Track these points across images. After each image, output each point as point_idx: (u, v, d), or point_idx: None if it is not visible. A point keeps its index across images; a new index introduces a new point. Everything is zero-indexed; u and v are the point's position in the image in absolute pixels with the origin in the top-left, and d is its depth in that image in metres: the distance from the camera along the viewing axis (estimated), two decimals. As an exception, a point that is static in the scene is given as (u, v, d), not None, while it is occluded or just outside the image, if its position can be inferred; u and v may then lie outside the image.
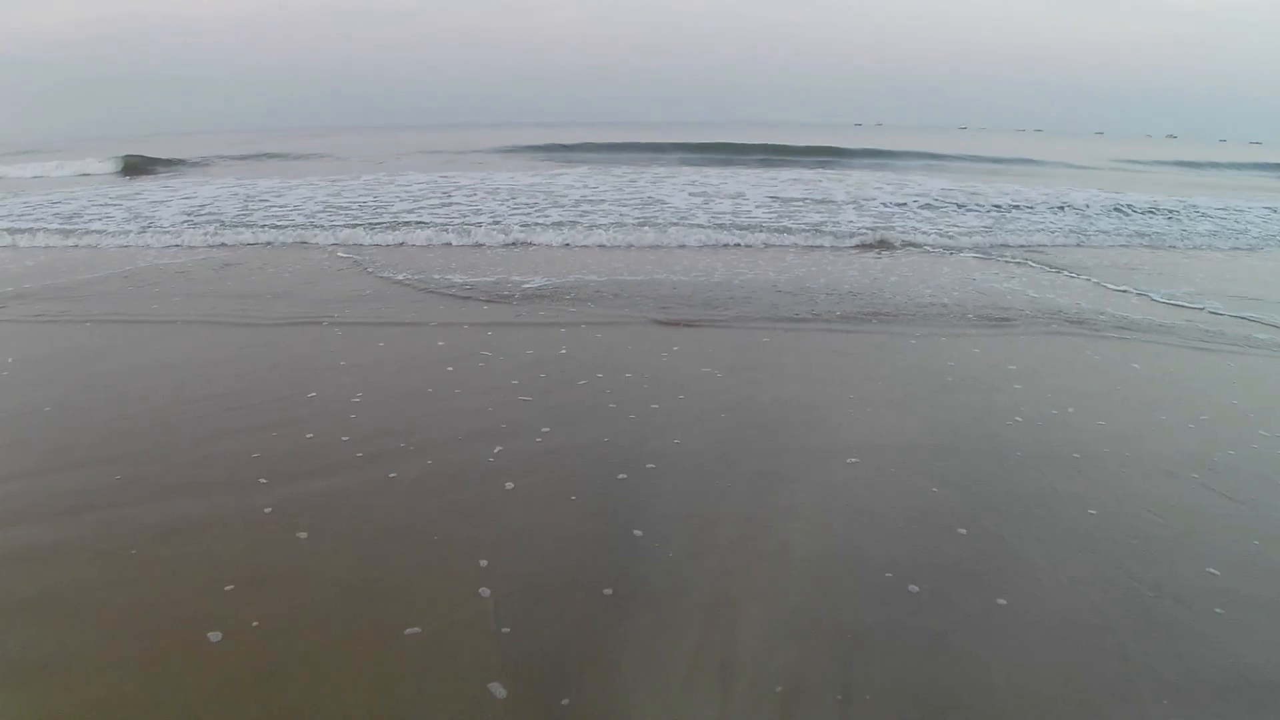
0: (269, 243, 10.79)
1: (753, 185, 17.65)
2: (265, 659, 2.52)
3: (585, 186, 17.27)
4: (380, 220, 12.11)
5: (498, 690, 2.38)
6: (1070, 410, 4.71)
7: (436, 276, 8.48)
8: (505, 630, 2.64)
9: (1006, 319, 6.84)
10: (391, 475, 3.76)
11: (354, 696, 2.37)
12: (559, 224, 11.69)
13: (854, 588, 2.92)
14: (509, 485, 3.67)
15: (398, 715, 2.31)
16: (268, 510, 3.44)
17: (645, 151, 30.57)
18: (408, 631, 2.64)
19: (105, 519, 3.38)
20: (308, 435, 4.24)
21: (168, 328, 6.58)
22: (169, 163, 27.45)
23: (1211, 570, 3.06)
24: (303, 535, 3.24)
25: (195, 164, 27.79)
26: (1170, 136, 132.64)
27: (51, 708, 2.37)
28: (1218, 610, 2.81)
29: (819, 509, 3.49)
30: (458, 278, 8.41)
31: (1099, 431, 4.39)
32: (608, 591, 2.86)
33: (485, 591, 2.85)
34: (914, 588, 2.91)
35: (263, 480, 3.71)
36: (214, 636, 2.61)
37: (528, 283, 8.15)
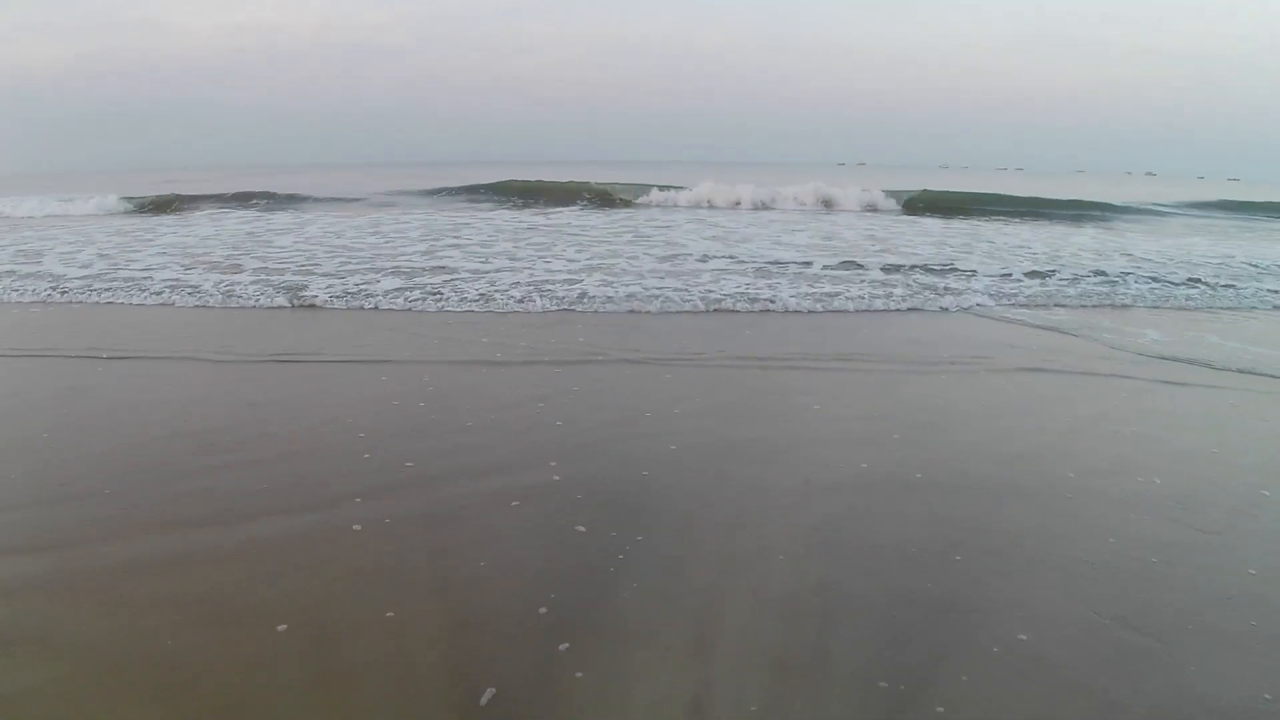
0: (264, 282, 10.66)
1: (758, 227, 17.71)
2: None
3: (593, 225, 17.54)
4: (382, 266, 11.50)
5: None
6: (1043, 447, 4.77)
7: (437, 318, 8.54)
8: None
9: (983, 357, 6.95)
10: (383, 514, 3.76)
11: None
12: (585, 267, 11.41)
13: (827, 624, 2.94)
14: (505, 514, 3.71)
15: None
16: (248, 544, 3.45)
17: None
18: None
19: (80, 555, 3.38)
20: (287, 471, 4.25)
21: (146, 364, 6.59)
22: (169, 199, 26.44)
23: (1181, 603, 3.10)
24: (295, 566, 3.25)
25: (199, 199, 27.42)
26: (1149, 174, 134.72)
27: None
28: (1187, 642, 2.85)
29: (795, 545, 3.52)
30: (463, 317, 8.49)
31: (1073, 468, 4.44)
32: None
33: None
34: (883, 625, 2.93)
35: (244, 515, 3.72)
36: (193, 668, 2.62)
37: (533, 325, 8.24)
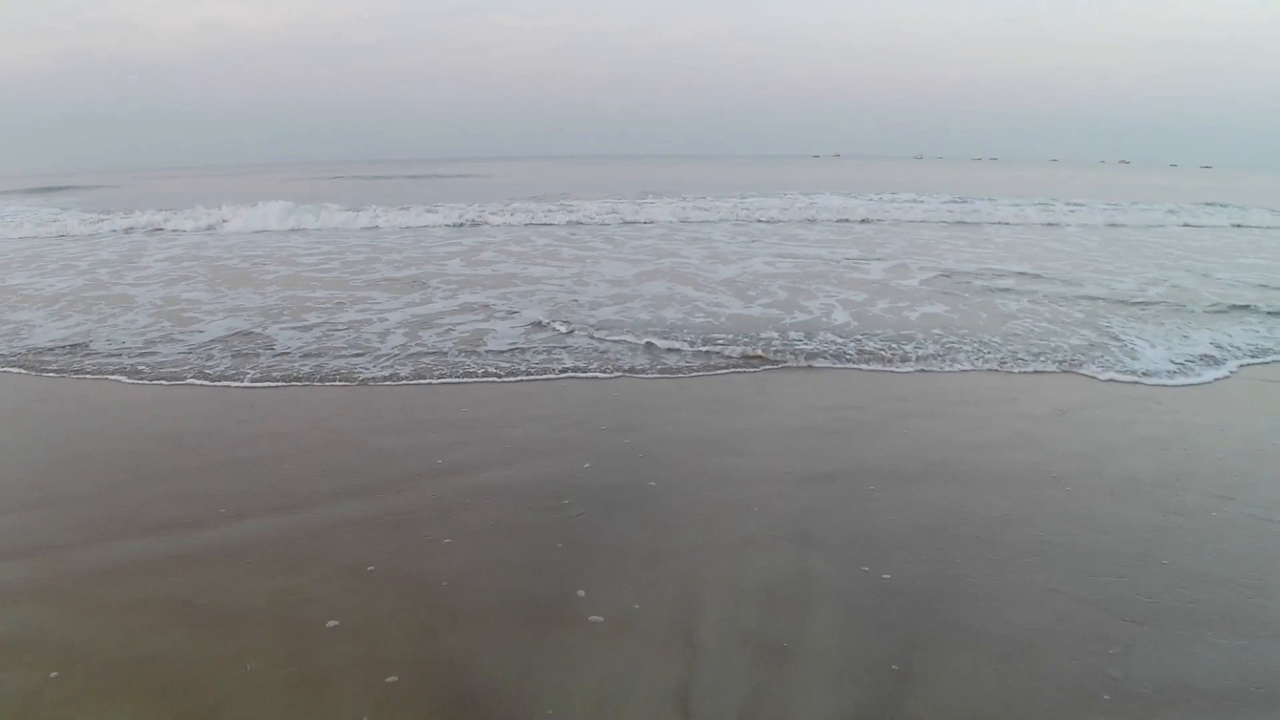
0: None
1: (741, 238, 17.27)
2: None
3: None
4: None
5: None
6: (1025, 435, 4.81)
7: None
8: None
9: (956, 348, 6.98)
10: (362, 512, 3.74)
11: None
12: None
13: (808, 612, 2.94)
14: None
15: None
16: (226, 546, 3.42)
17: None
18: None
19: (58, 558, 3.35)
20: (265, 472, 4.22)
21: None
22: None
23: (1162, 588, 3.13)
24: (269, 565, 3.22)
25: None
26: (1123, 162, 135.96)
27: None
28: (1169, 626, 2.87)
29: (774, 537, 3.54)
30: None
31: (1051, 455, 4.49)
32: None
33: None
34: (863, 613, 2.95)
35: (222, 517, 3.68)
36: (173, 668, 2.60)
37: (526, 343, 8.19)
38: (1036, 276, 10.74)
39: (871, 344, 6.91)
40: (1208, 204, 22.29)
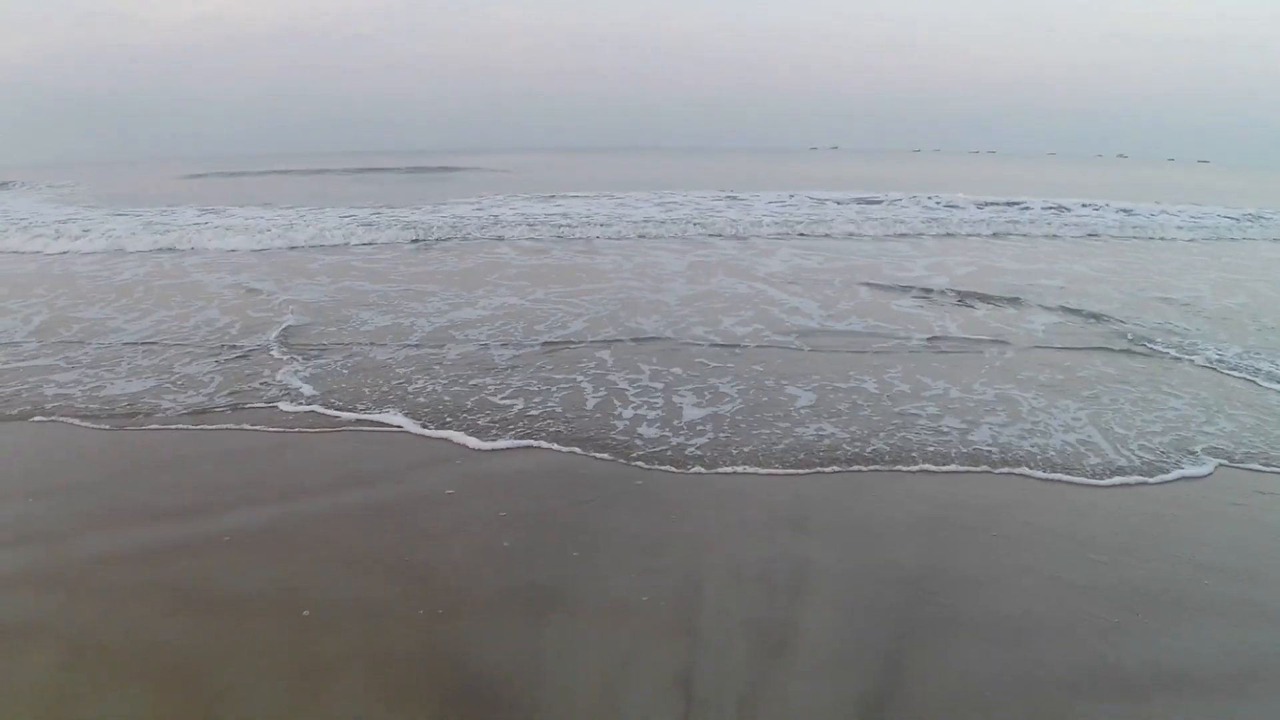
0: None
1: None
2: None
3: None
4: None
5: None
6: (1015, 424, 4.82)
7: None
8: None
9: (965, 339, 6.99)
10: (359, 501, 3.78)
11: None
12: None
13: (807, 599, 2.97)
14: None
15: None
16: (229, 533, 3.44)
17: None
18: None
19: (64, 546, 3.38)
20: (264, 461, 4.25)
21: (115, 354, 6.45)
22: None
23: (1155, 576, 3.16)
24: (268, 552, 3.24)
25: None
26: (1121, 156, 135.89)
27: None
28: (1162, 614, 2.91)
29: (771, 525, 3.56)
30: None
31: (1044, 445, 4.50)
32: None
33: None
34: (859, 599, 2.98)
35: (224, 505, 3.71)
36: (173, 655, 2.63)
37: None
38: (1099, 283, 9.85)
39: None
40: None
